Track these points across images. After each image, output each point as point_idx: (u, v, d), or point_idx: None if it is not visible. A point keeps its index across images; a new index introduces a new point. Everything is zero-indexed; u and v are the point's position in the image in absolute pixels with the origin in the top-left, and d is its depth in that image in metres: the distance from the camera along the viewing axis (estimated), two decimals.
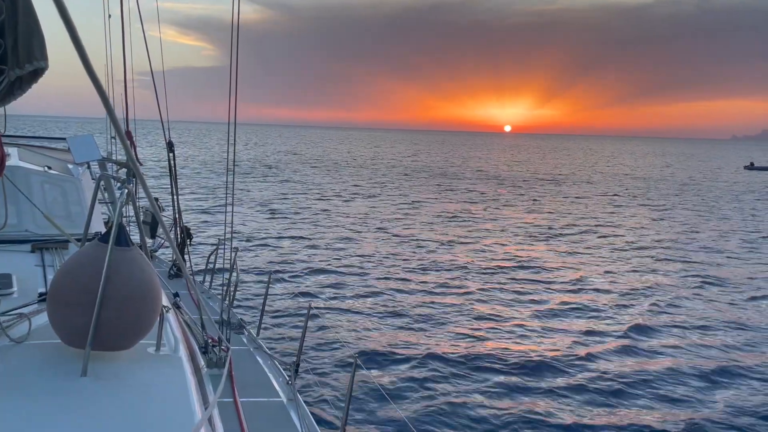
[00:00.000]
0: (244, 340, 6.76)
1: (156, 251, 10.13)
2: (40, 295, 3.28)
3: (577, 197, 38.68)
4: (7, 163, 2.79)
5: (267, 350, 6.51)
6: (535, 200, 36.55)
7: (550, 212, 31.00)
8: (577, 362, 10.33)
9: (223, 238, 8.12)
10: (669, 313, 13.58)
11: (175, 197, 8.51)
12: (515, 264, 18.13)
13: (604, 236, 23.89)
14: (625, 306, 13.98)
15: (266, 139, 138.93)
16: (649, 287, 15.87)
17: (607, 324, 12.57)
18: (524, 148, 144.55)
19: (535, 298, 14.39)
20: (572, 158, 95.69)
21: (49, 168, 5.70)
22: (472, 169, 64.79)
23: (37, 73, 2.82)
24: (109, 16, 7.55)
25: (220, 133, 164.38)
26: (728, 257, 20.46)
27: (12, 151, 5.82)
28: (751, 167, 76.46)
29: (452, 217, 28.07)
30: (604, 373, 9.92)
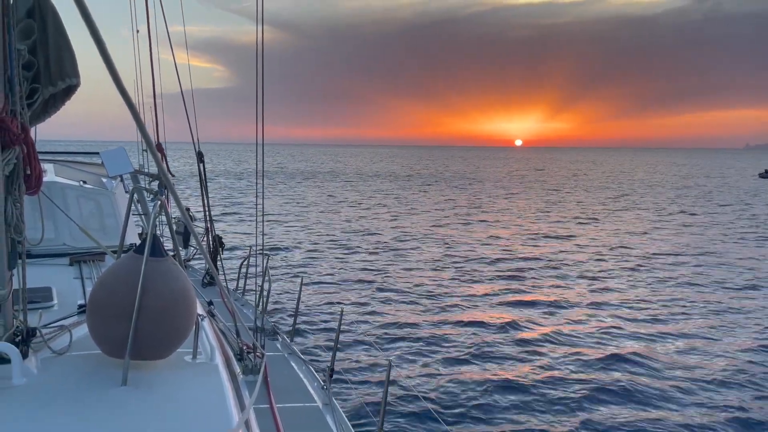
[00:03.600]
0: (279, 346, 6.79)
1: (189, 260, 10.27)
2: (80, 306, 3.35)
3: (605, 208, 38.16)
4: (44, 179, 2.85)
5: (301, 356, 6.54)
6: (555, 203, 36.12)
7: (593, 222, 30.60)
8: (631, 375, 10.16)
9: (254, 245, 8.20)
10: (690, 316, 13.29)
11: (206, 207, 8.61)
12: (554, 266, 17.93)
13: (626, 246, 23.49)
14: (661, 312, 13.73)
15: (281, 157, 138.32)
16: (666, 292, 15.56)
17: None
18: (539, 162, 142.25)
19: (572, 302, 14.20)
20: (596, 170, 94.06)
21: (84, 182, 5.82)
22: (494, 178, 64.41)
23: (69, 90, 2.88)
24: (137, 31, 7.70)
25: (234, 153, 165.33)
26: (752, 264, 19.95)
27: (48, 167, 5.96)
28: (765, 175, 76.36)
29: (484, 221, 27.91)
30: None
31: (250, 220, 25.39)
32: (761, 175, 76.99)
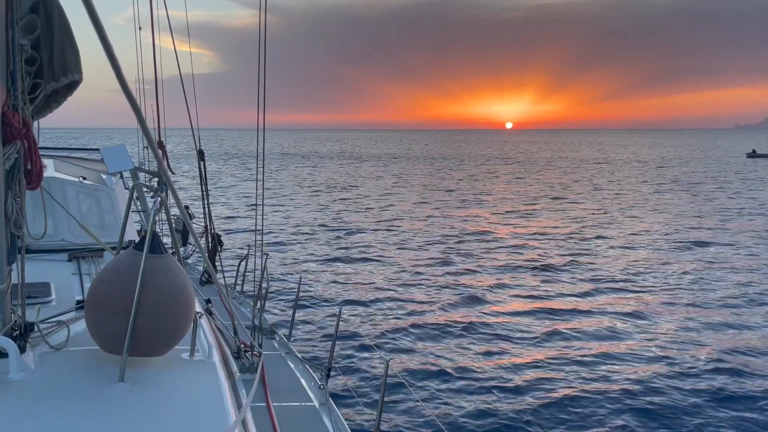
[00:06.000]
0: (276, 344, 6.80)
1: (188, 258, 10.27)
2: (78, 302, 3.35)
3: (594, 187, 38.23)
4: (44, 175, 2.86)
5: (299, 355, 6.54)
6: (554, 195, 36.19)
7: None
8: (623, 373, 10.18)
9: (253, 243, 8.21)
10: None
11: (205, 204, 8.61)
12: (556, 263, 17.94)
13: (618, 226, 23.54)
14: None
15: (272, 143, 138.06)
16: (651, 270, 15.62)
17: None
18: (530, 145, 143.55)
19: (579, 295, 14.21)
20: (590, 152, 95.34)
21: (84, 179, 5.82)
22: (496, 163, 64.88)
23: (72, 86, 2.89)
24: (140, 28, 7.70)
25: (221, 140, 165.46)
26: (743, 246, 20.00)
27: (48, 163, 5.96)
28: (753, 155, 77.33)
29: (486, 216, 27.92)
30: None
31: (249, 214, 25.39)
32: (749, 155, 78.02)
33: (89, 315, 2.63)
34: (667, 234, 23.06)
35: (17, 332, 2.58)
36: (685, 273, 16.67)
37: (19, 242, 2.57)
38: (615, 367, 10.07)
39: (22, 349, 2.54)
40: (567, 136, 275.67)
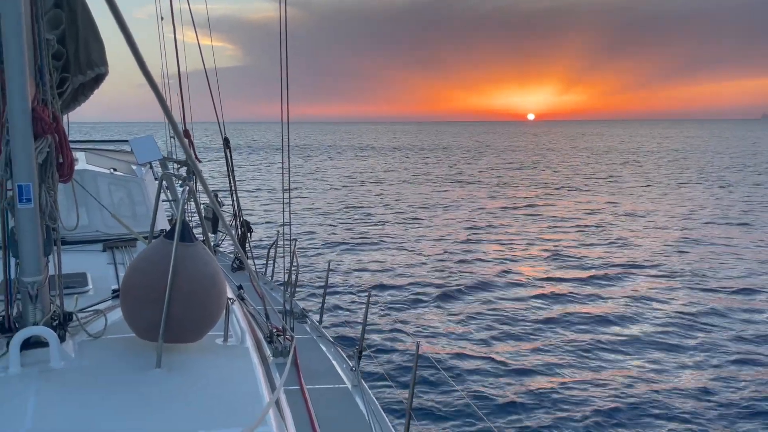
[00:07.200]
0: (308, 328, 6.86)
1: (219, 245, 10.40)
2: (114, 291, 3.42)
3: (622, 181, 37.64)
4: (76, 167, 2.91)
5: (330, 338, 6.60)
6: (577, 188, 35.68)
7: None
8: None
9: (281, 229, 8.27)
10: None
11: (233, 192, 8.68)
12: (587, 248, 17.75)
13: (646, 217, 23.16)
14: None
15: (294, 135, 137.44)
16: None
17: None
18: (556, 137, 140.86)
19: (615, 282, 14.05)
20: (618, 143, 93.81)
21: (115, 170, 5.91)
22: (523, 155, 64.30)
23: (98, 79, 2.93)
24: (162, 18, 7.74)
25: (244, 132, 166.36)
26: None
27: (79, 156, 6.06)
28: None
29: (513, 203, 27.71)
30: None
31: (275, 203, 25.57)
32: None
33: (124, 303, 2.68)
34: (692, 224, 22.73)
35: (57, 322, 2.64)
36: (710, 264, 16.38)
37: (54, 234, 2.63)
38: (655, 357, 9.97)
39: (62, 338, 2.60)
40: (591, 127, 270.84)
